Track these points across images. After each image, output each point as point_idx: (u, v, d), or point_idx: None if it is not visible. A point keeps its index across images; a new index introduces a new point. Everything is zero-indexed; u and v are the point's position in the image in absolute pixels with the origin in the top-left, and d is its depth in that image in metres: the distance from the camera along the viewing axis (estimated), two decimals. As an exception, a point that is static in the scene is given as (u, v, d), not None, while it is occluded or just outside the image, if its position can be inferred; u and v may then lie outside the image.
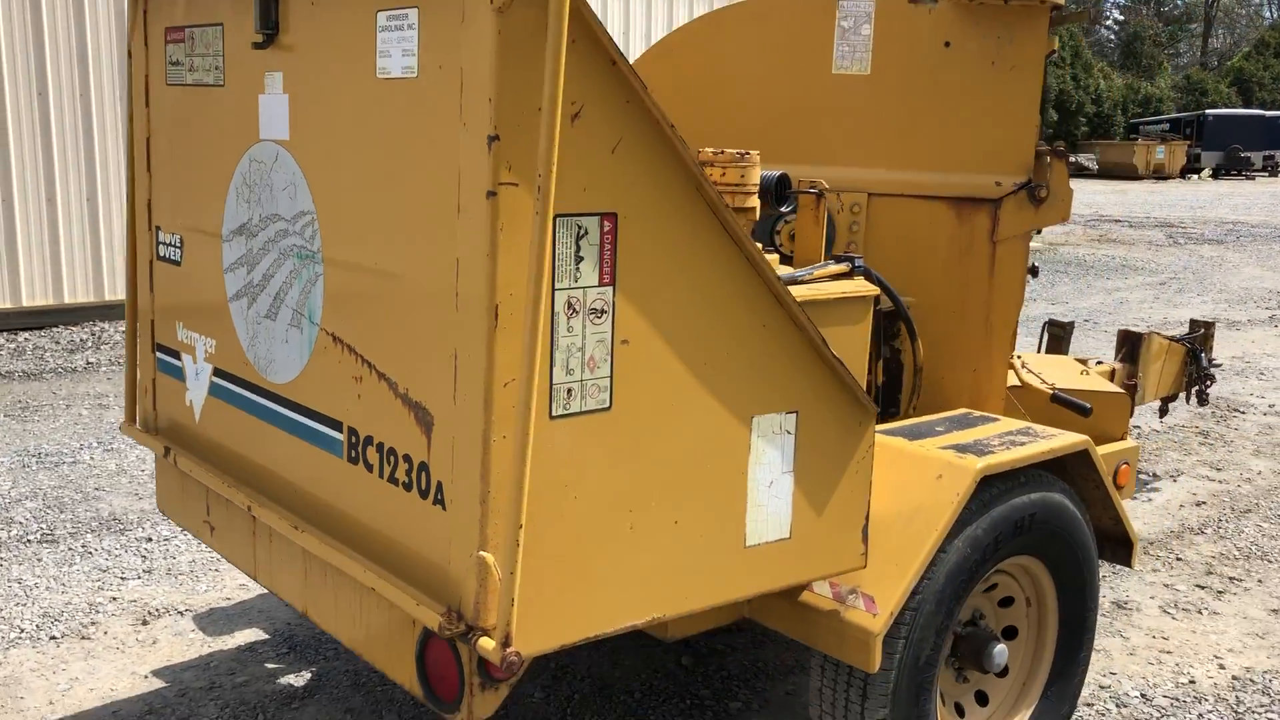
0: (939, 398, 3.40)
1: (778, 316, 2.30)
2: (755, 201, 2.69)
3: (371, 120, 2.15)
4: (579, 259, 1.98)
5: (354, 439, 2.29)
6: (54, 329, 8.67)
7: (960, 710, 2.99)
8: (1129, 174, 34.52)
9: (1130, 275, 13.69)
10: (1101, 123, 43.19)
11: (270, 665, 3.70)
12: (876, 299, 2.69)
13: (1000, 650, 2.90)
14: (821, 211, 2.86)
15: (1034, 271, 4.12)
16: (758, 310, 2.27)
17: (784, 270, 2.63)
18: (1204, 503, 5.56)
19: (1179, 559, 4.85)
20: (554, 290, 1.96)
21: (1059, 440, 2.88)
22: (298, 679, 3.61)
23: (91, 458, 5.75)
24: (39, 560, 4.46)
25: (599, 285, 2.02)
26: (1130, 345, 5.34)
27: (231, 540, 2.77)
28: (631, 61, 3.30)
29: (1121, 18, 63.82)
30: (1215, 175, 36.25)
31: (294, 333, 2.44)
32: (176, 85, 2.80)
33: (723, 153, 2.65)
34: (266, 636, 3.88)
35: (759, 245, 2.28)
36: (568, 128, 1.92)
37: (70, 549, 4.58)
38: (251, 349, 2.60)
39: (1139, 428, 6.76)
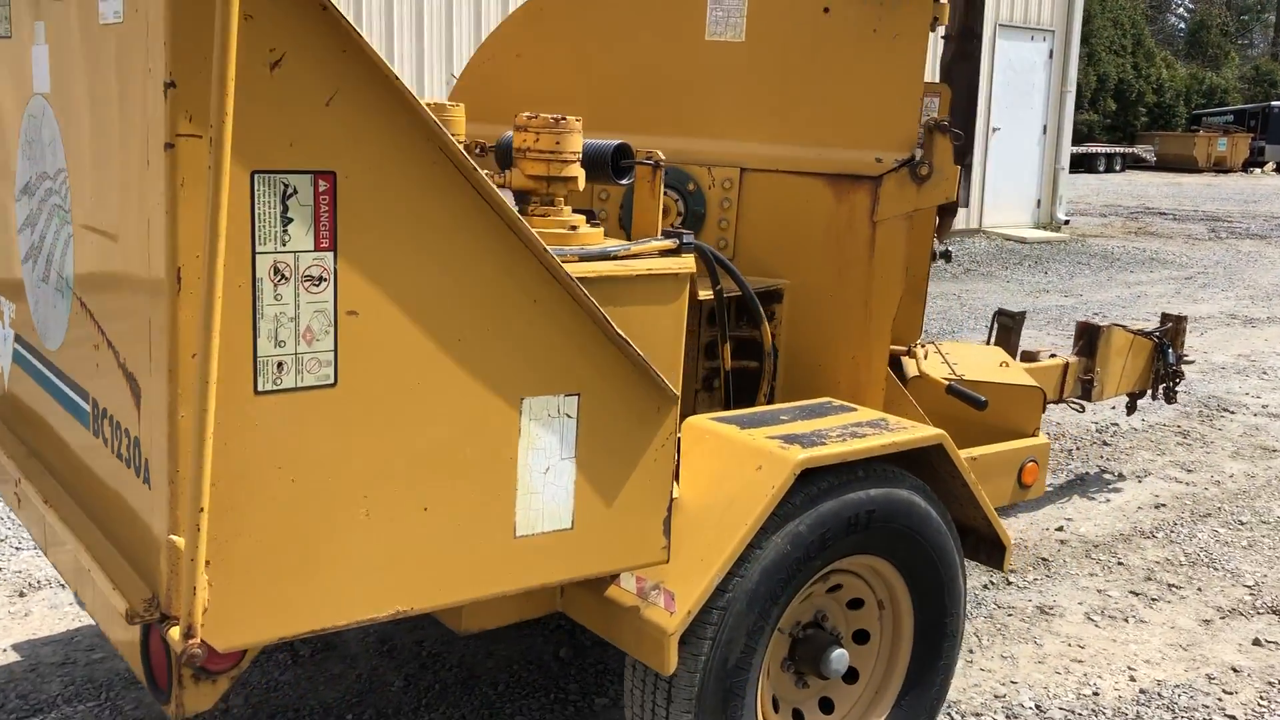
0: (816, 386, 3.22)
1: (551, 292, 2.14)
2: (576, 170, 2.52)
3: (96, 70, 2.02)
4: (287, 220, 1.83)
5: (96, 410, 2.17)
6: None
7: (799, 717, 2.82)
8: (1188, 166, 33.66)
9: (1157, 269, 13.26)
10: (1163, 113, 42.16)
11: (133, 641, 3.61)
12: (694, 277, 2.50)
13: (839, 655, 2.72)
14: (657, 184, 2.68)
15: (946, 256, 3.91)
16: (526, 284, 2.10)
17: (604, 244, 2.46)
18: (1164, 505, 5.30)
19: (1120, 563, 4.61)
20: (255, 254, 1.81)
21: (906, 434, 2.69)
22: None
23: None
24: (-60, 527, 4.42)
25: (315, 250, 1.87)
26: (1089, 338, 5.10)
27: (28, 512, 2.66)
28: (500, 22, 3.14)
29: (1193, 6, 62.18)
30: (1280, 169, 35.25)
31: (58, 297, 2.32)
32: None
33: (536, 117, 2.48)
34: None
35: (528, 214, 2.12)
36: (266, 77, 1.77)
37: (-26, 517, 4.53)
38: (36, 313, 2.49)
39: (1115, 425, 6.49)
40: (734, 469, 2.54)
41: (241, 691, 3.34)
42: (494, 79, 3.23)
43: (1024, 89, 14.58)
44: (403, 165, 1.92)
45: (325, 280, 1.89)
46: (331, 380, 1.93)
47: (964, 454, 3.40)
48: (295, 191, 1.83)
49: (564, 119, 2.48)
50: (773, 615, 2.51)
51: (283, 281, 1.85)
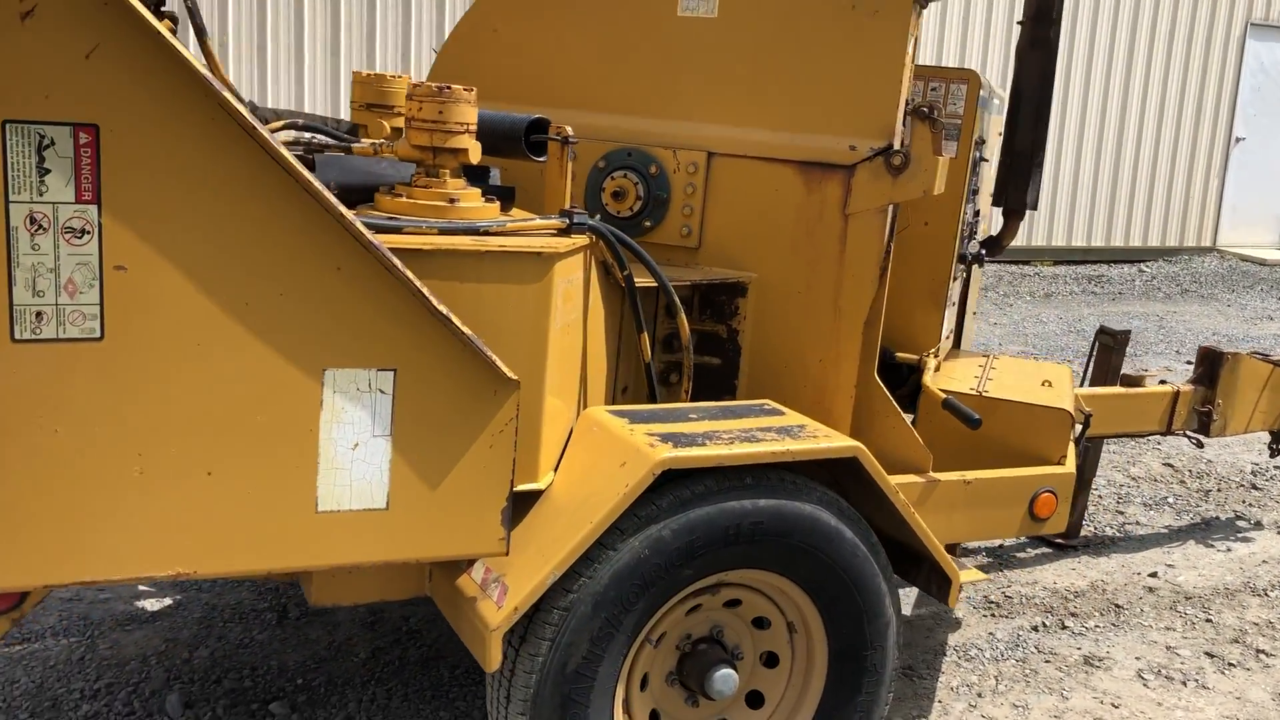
0: (782, 388, 3.00)
1: (359, 261, 2.07)
2: (465, 142, 2.43)
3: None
4: (43, 170, 1.85)
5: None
6: None
7: (689, 738, 2.63)
8: None
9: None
10: None
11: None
12: (559, 257, 2.36)
13: (724, 675, 2.52)
14: (565, 161, 2.56)
15: (978, 259, 3.60)
16: (326, 251, 2.04)
17: (480, 220, 2.37)
18: (1292, 561, 4.67)
19: (1209, 620, 4.09)
20: (8, 203, 1.84)
21: (807, 444, 2.45)
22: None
23: None
24: None
25: (76, 202, 1.87)
26: (1210, 365, 4.56)
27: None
28: None
29: None
30: None
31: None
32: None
33: (421, 85, 2.41)
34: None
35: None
36: (16, 26, 1.78)
37: None
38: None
39: (1255, 465, 5.78)
40: (602, 463, 2.40)
41: (211, 644, 3.44)
42: (472, 55, 3.18)
43: (1275, 96, 13.23)
44: (175, 122, 1.90)
45: (89, 233, 1.89)
46: (98, 334, 1.93)
47: (957, 476, 3.11)
48: (52, 143, 1.84)
49: (449, 88, 2.40)
50: (625, 623, 2.34)
51: (40, 231, 1.87)
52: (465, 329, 2.16)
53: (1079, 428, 3.62)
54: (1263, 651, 3.88)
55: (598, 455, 2.43)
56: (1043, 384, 3.59)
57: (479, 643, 2.26)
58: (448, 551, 2.27)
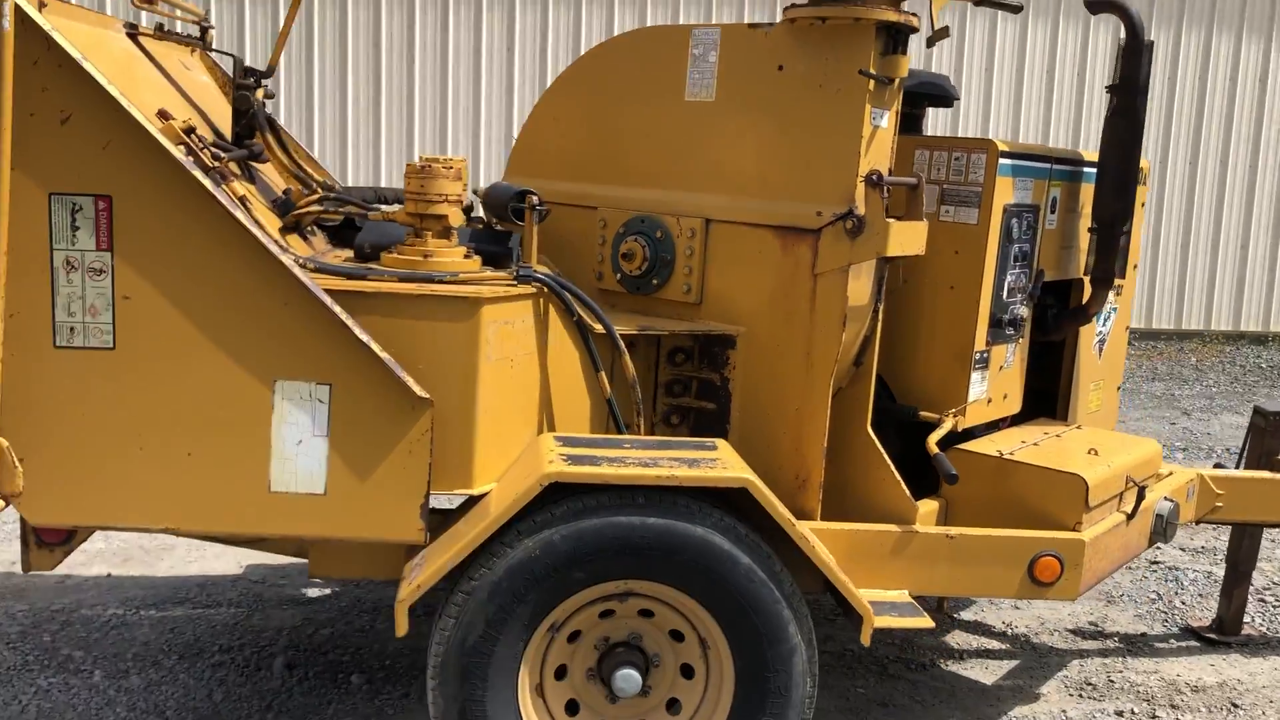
0: (767, 433, 3.29)
1: (302, 298, 2.69)
2: (445, 209, 3.00)
3: None
4: (75, 228, 2.63)
5: None
6: None
7: (606, 729, 2.96)
8: None
9: None
10: None
11: None
12: (488, 301, 2.85)
13: (626, 675, 2.85)
14: (529, 224, 3.06)
15: (1058, 328, 3.70)
16: (277, 289, 2.69)
17: (445, 270, 2.93)
18: None
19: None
20: (52, 250, 2.64)
21: (694, 472, 2.75)
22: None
23: None
24: None
25: (97, 249, 2.65)
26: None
27: None
28: (557, 76, 3.68)
29: None
30: None
31: None
32: None
33: (411, 164, 3.03)
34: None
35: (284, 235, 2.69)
36: (58, 128, 2.59)
37: None
38: None
39: None
40: (518, 475, 2.84)
41: (338, 626, 4.17)
42: (537, 140, 3.74)
43: None
44: (162, 193, 2.63)
45: (105, 272, 2.66)
46: (111, 345, 2.69)
47: (940, 530, 3.23)
48: (81, 208, 2.63)
49: (430, 166, 2.99)
50: (519, 612, 2.75)
51: (73, 270, 2.65)
52: (384, 355, 2.72)
53: (1126, 499, 3.52)
54: (1378, 768, 3.50)
55: (520, 469, 2.88)
56: (1089, 452, 3.55)
57: (397, 611, 2.77)
58: (375, 534, 2.82)
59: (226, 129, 3.41)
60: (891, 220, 3.05)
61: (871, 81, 3.04)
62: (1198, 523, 4.16)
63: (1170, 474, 3.99)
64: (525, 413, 3.04)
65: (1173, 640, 4.44)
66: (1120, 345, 4.45)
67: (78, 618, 4.15)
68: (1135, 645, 4.38)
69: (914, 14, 3.11)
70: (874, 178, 3.04)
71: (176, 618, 4.20)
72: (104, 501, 2.75)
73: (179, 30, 3.55)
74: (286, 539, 3.00)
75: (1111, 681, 4.06)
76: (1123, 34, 3.70)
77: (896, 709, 3.78)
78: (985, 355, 3.57)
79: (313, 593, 4.48)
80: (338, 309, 2.69)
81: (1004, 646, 4.34)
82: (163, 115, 2.90)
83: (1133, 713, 3.83)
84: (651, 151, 3.45)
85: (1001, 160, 3.44)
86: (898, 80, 3.14)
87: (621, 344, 3.12)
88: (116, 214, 2.64)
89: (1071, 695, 3.94)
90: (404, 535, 2.81)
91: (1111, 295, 4.29)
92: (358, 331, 2.70)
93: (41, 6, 2.65)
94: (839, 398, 3.33)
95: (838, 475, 3.36)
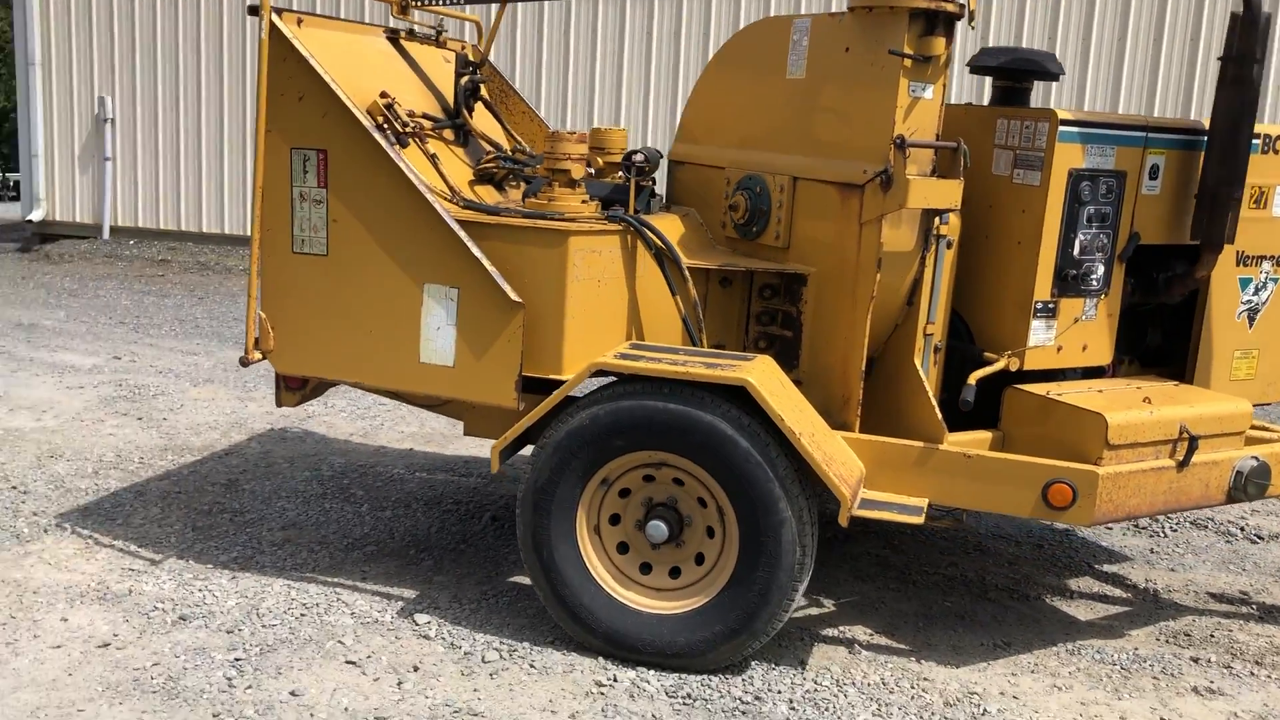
0: (826, 358, 3.94)
1: (441, 226, 3.77)
2: (569, 165, 3.96)
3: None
4: (305, 171, 3.89)
5: (332, 270, 4.43)
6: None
7: (647, 569, 3.78)
8: None
9: None
10: None
11: None
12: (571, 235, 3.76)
13: (655, 525, 3.67)
14: (631, 179, 3.94)
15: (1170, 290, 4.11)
16: (426, 219, 3.79)
17: (560, 211, 3.90)
18: None
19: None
20: (292, 187, 3.92)
21: (704, 370, 3.50)
22: None
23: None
24: None
25: (318, 186, 3.89)
26: None
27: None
28: (708, 61, 4.57)
29: None
30: None
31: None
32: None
33: (550, 132, 4.01)
34: None
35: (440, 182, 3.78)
36: (297, 103, 3.86)
37: None
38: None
39: None
40: (583, 365, 3.74)
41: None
42: (692, 113, 4.53)
43: None
44: (356, 148, 3.82)
45: (322, 202, 3.90)
46: (325, 252, 3.93)
47: (959, 449, 3.74)
48: (309, 158, 3.88)
49: (557, 133, 3.97)
50: (574, 465, 3.66)
51: (304, 201, 3.92)
52: (491, 268, 3.73)
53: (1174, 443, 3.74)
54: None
55: (584, 362, 3.78)
56: (1144, 400, 3.82)
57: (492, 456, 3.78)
58: (485, 398, 3.85)
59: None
60: (915, 177, 3.59)
61: (907, 59, 3.58)
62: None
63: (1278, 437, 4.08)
64: (614, 321, 3.92)
65: (1332, 620, 4.42)
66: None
67: (373, 472, 5.59)
68: (1271, 615, 4.43)
69: (954, 1, 3.60)
70: (898, 141, 3.59)
71: (437, 480, 5.52)
72: (320, 359, 4.02)
73: (420, 33, 4.77)
74: (430, 397, 4.13)
75: (1212, 637, 4.21)
76: (1240, 6, 3.88)
77: (972, 623, 4.23)
78: (1051, 306, 3.94)
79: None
80: (462, 233, 3.75)
81: (1126, 595, 4.57)
82: (383, 95, 4.09)
83: (1210, 661, 4.00)
84: (763, 121, 4.18)
85: (1064, 128, 3.80)
86: (943, 57, 3.65)
87: (686, 273, 3.91)
88: (330, 162, 3.87)
89: (1159, 640, 4.16)
90: (503, 400, 3.82)
91: (1269, 266, 4.40)
92: (475, 250, 3.74)
93: (300, 22, 3.93)
94: (896, 333, 3.90)
95: (890, 399, 3.93)
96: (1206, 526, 5.40)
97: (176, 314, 9.78)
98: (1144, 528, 5.35)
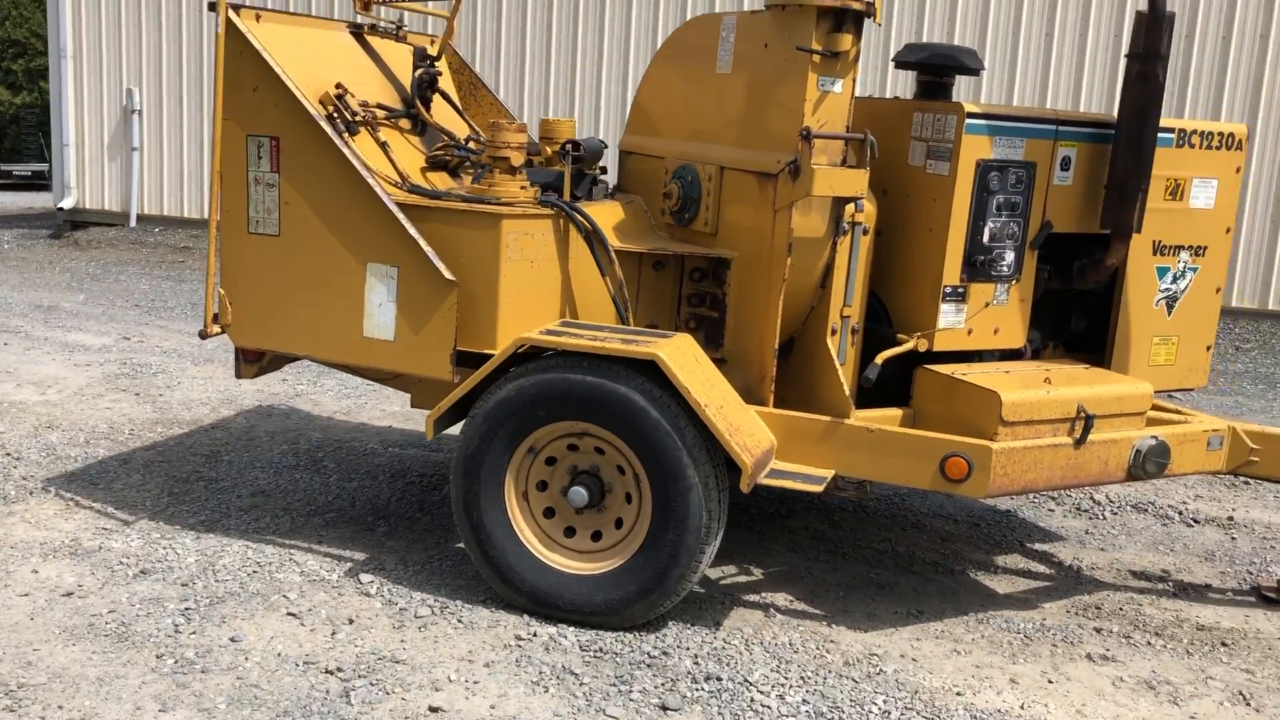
0: (746, 338, 4.17)
1: (381, 208, 4.04)
2: (509, 154, 4.21)
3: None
4: (259, 157, 4.17)
5: (294, 251, 4.72)
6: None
7: (571, 532, 4.03)
8: None
9: None
10: None
11: None
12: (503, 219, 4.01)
13: (576, 491, 3.91)
14: (567, 166, 4.19)
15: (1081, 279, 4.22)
16: (368, 202, 4.06)
17: (497, 196, 4.15)
18: None
19: (1234, 660, 3.87)
20: (248, 171, 4.20)
21: (617, 346, 3.74)
22: None
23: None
24: None
25: (270, 171, 4.17)
26: None
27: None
28: (652, 57, 4.81)
29: None
30: None
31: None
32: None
33: (495, 122, 4.27)
34: None
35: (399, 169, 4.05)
36: (251, 94, 4.14)
37: None
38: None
39: None
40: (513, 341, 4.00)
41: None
42: (637, 106, 4.77)
43: None
44: (305, 136, 4.09)
45: (274, 186, 4.18)
46: (277, 232, 4.21)
47: (862, 424, 3.95)
48: (263, 144, 4.16)
49: (498, 124, 4.22)
50: (500, 434, 3.91)
51: (258, 184, 4.20)
52: (427, 248, 3.99)
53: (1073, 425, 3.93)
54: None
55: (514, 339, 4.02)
56: (1044, 381, 4.01)
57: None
58: (423, 371, 4.11)
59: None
60: (822, 167, 3.80)
61: (816, 55, 3.80)
62: (1232, 474, 4.34)
63: (1186, 419, 4.25)
64: (548, 299, 4.17)
65: (1230, 594, 4.59)
66: (1205, 305, 4.64)
67: (348, 446, 5.88)
68: (1185, 591, 4.60)
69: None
70: (804, 133, 3.81)
71: (408, 455, 5.80)
72: (273, 333, 4.30)
73: (382, 28, 5.03)
74: (375, 370, 4.40)
75: (1121, 610, 4.39)
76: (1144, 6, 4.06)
77: (891, 593, 4.44)
78: (961, 290, 4.14)
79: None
80: (401, 215, 4.01)
81: (1049, 572, 4.75)
82: (337, 86, 4.36)
83: (1111, 632, 4.18)
84: (697, 114, 4.40)
85: (971, 120, 4.00)
86: (851, 53, 3.86)
87: (614, 255, 4.15)
88: (282, 149, 4.15)
89: (1069, 613, 4.35)
90: (439, 373, 4.08)
91: (1187, 255, 4.57)
92: (412, 231, 4.00)
93: (258, 18, 4.21)
94: (812, 315, 4.12)
95: (805, 376, 4.15)
96: (1147, 510, 5.56)
97: (190, 298, 10.16)
98: (1085, 510, 5.52)
